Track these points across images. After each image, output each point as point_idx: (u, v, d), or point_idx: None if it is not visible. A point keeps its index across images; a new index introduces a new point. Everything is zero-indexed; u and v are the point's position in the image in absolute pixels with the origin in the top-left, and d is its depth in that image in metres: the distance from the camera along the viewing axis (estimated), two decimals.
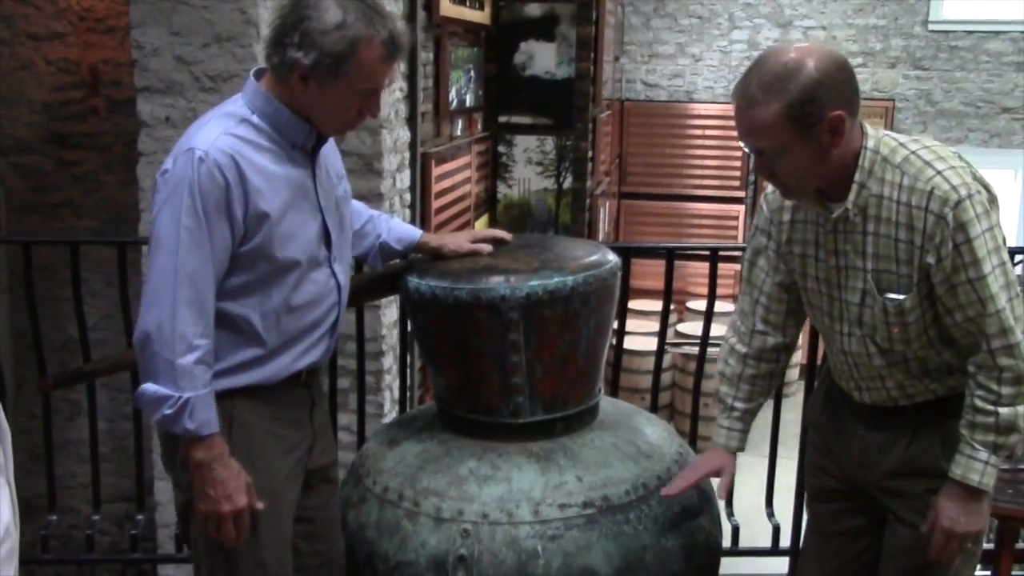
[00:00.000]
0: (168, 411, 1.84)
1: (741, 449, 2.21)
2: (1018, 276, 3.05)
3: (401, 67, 3.91)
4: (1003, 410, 1.86)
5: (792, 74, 1.77)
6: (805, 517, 2.44)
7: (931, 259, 1.83)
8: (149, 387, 1.86)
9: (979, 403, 1.88)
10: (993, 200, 1.88)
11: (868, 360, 2.01)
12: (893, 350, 1.97)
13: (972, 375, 1.90)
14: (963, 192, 1.80)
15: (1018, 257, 3.18)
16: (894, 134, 1.93)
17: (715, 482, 2.28)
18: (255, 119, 1.93)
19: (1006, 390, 1.86)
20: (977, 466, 1.89)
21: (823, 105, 1.78)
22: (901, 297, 1.89)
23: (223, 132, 1.88)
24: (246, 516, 1.91)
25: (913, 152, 1.86)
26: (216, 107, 2.02)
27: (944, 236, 1.80)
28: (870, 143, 1.88)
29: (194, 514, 1.95)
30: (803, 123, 1.78)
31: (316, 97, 1.90)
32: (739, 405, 2.21)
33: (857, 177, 1.87)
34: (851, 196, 1.87)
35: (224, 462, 1.89)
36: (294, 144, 1.96)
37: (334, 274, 2.07)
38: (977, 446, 1.89)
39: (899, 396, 2.03)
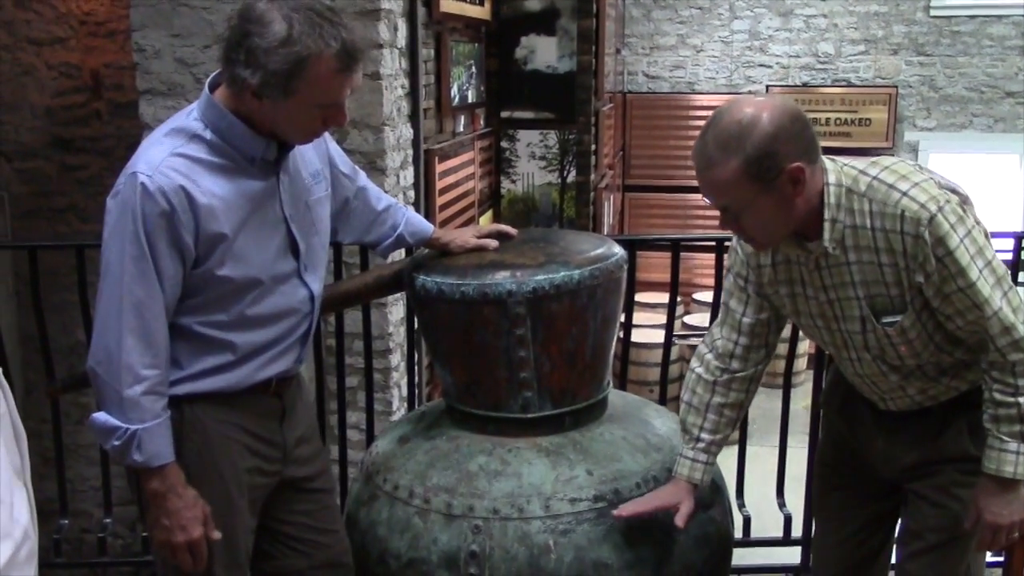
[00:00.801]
0: (116, 442, 1.81)
1: (704, 483, 2.14)
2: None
3: (403, 64, 3.91)
4: (1023, 399, 1.87)
5: (747, 131, 1.77)
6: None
7: (920, 277, 1.84)
8: (100, 416, 1.83)
9: (998, 396, 1.89)
10: (965, 201, 1.89)
11: (884, 377, 2.02)
12: (904, 365, 1.98)
13: (986, 371, 1.91)
14: (932, 208, 1.80)
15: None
16: (852, 162, 1.92)
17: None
18: (207, 134, 1.83)
19: (1022, 381, 1.87)
20: (1009, 457, 1.89)
21: (781, 158, 1.78)
22: (898, 318, 1.90)
23: (170, 152, 1.80)
24: (202, 546, 1.88)
25: (875, 177, 1.86)
26: (171, 118, 1.92)
27: (926, 253, 1.81)
28: (831, 178, 1.87)
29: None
30: (762, 178, 1.79)
31: (272, 112, 1.81)
32: (705, 436, 2.13)
33: (827, 214, 1.87)
34: (826, 234, 1.88)
35: (178, 492, 1.86)
36: (253, 159, 1.88)
37: (305, 284, 2.01)
38: (1005, 438, 1.89)
39: (923, 399, 2.04)
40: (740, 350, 2.13)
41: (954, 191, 1.88)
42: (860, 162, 1.92)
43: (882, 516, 2.22)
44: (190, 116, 1.87)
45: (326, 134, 2.12)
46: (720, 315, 2.17)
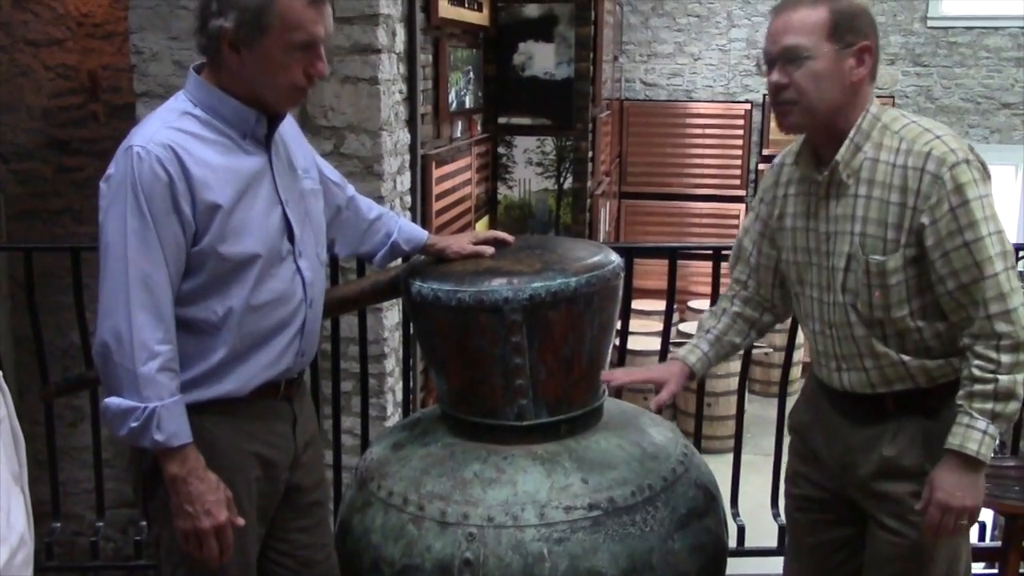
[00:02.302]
0: (134, 424, 1.76)
1: (700, 372, 2.26)
2: (1020, 272, 3.05)
3: (401, 69, 3.91)
4: (1003, 378, 1.84)
5: None
6: None
7: (925, 219, 1.84)
8: (113, 400, 1.78)
9: (977, 372, 1.86)
10: (989, 176, 1.91)
11: (850, 331, 1.99)
12: (874, 318, 1.95)
13: (968, 347, 1.88)
14: (960, 155, 1.84)
15: (1020, 254, 3.18)
16: (899, 110, 1.98)
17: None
18: (198, 111, 1.85)
19: (1005, 358, 1.84)
20: (975, 435, 1.86)
21: (861, 31, 1.88)
22: (883, 258, 1.90)
23: (163, 126, 1.82)
24: (228, 531, 1.84)
25: (913, 121, 1.93)
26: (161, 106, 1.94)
27: (940, 196, 1.82)
28: (873, 109, 1.94)
29: (167, 534, 1.88)
30: (840, 37, 1.86)
31: (253, 65, 1.82)
32: (714, 332, 2.27)
33: (852, 134, 1.91)
34: (842, 149, 1.92)
35: (200, 475, 1.81)
36: (244, 133, 1.89)
37: (299, 270, 1.98)
38: (975, 414, 1.86)
39: (877, 379, 2.00)
40: (752, 283, 2.25)
41: (983, 164, 1.91)
42: (907, 112, 2.00)
43: (853, 541, 2.16)
44: (178, 99, 1.90)
45: (312, 150, 2.14)
46: (734, 250, 2.29)
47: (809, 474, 2.19)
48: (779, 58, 1.90)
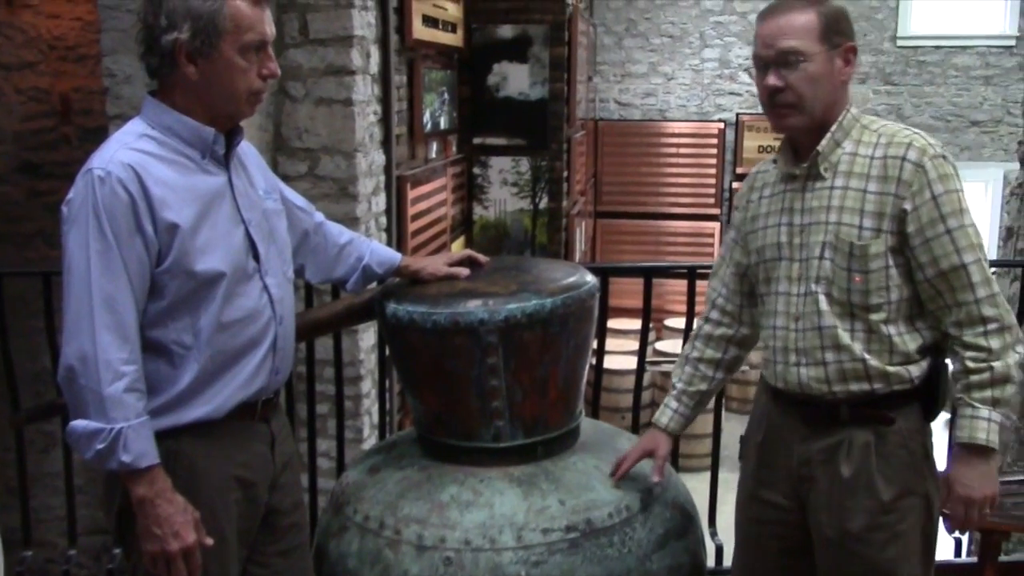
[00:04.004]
0: (100, 445, 1.75)
1: (676, 431, 2.26)
2: None
3: (375, 90, 3.91)
4: (996, 364, 1.89)
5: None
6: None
7: (907, 205, 1.89)
8: (79, 423, 1.77)
9: (970, 364, 1.90)
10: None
11: (816, 322, 1.98)
12: (850, 305, 1.95)
13: (955, 339, 1.92)
14: (939, 149, 1.91)
15: (993, 270, 3.20)
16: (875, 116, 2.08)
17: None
18: (155, 133, 1.86)
19: (994, 343, 1.89)
20: (981, 424, 1.89)
21: (846, 33, 1.97)
22: (866, 243, 1.92)
23: (121, 147, 1.82)
24: (197, 554, 1.82)
25: (890, 123, 2.01)
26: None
27: (922, 184, 1.88)
28: (853, 109, 2.01)
29: (144, 565, 1.84)
30: (829, 39, 1.93)
31: (211, 76, 1.83)
32: (679, 385, 2.27)
33: (833, 129, 1.97)
34: (823, 142, 1.97)
35: (168, 497, 1.80)
36: (204, 153, 1.89)
37: (266, 287, 1.97)
38: (977, 404, 1.90)
39: (835, 375, 1.97)
40: (721, 300, 2.23)
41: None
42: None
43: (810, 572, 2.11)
44: (135, 123, 1.90)
45: (273, 175, 2.14)
46: (714, 267, 2.29)
47: (765, 494, 2.14)
48: (775, 62, 1.95)
